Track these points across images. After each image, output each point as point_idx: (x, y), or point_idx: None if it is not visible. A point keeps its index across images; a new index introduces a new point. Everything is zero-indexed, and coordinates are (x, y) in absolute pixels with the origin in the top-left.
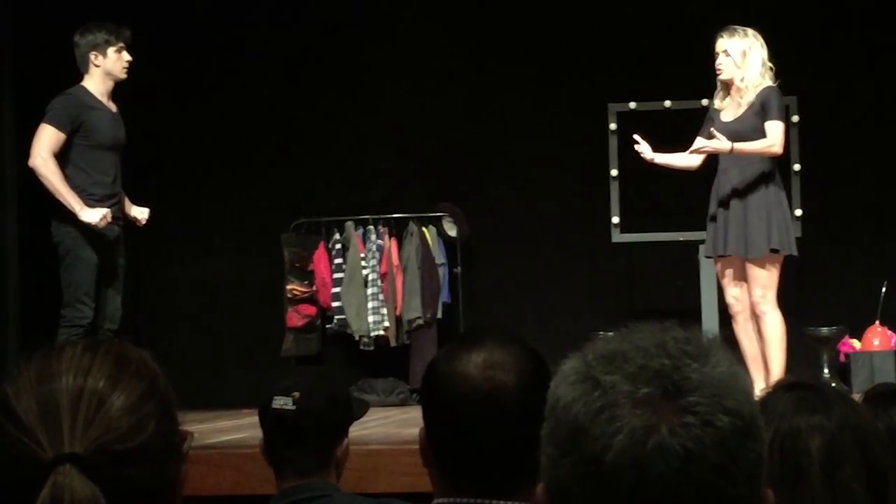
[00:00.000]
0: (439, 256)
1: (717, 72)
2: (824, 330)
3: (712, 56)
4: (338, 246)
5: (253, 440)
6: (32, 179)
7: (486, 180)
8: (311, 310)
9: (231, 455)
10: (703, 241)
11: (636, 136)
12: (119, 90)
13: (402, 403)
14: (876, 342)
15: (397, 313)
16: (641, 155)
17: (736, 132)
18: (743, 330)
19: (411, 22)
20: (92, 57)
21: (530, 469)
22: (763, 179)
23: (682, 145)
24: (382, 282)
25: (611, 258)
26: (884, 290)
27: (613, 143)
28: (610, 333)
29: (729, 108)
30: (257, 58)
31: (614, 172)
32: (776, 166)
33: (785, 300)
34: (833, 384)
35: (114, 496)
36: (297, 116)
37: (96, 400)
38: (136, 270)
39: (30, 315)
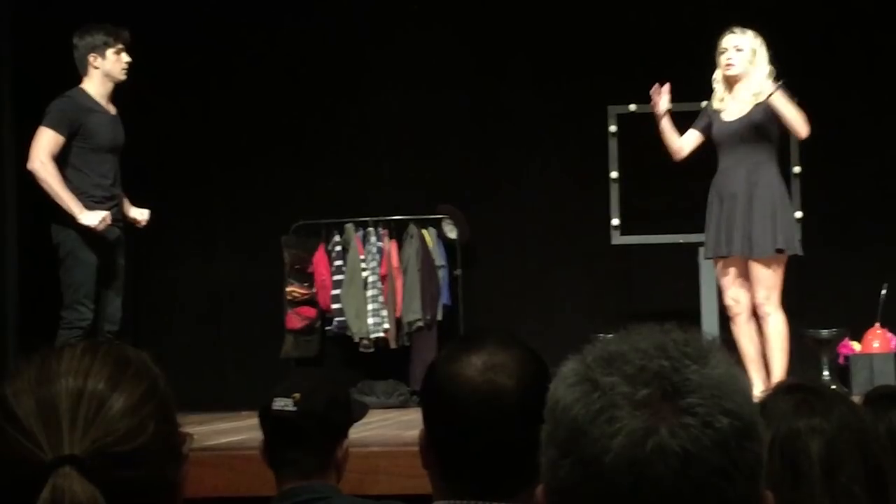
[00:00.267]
0: (439, 258)
1: (728, 67)
2: (824, 332)
3: (713, 52)
4: (338, 248)
5: (253, 442)
6: (32, 181)
7: (486, 182)
8: (310, 312)
9: (231, 457)
10: (703, 244)
11: (660, 86)
12: (119, 91)
13: (402, 405)
14: (876, 344)
15: (397, 315)
16: (655, 99)
17: (743, 131)
18: (742, 331)
19: (412, 24)
20: (91, 59)
21: (530, 471)
22: (770, 180)
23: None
24: (382, 284)
25: (610, 260)
26: (884, 292)
27: (613, 145)
28: (609, 335)
29: (731, 107)
30: (258, 59)
31: (614, 175)
32: (779, 168)
33: (785, 302)
34: (833, 386)
35: (113, 498)
36: (298, 118)
37: (96, 402)
38: (136, 272)
39: (29, 317)
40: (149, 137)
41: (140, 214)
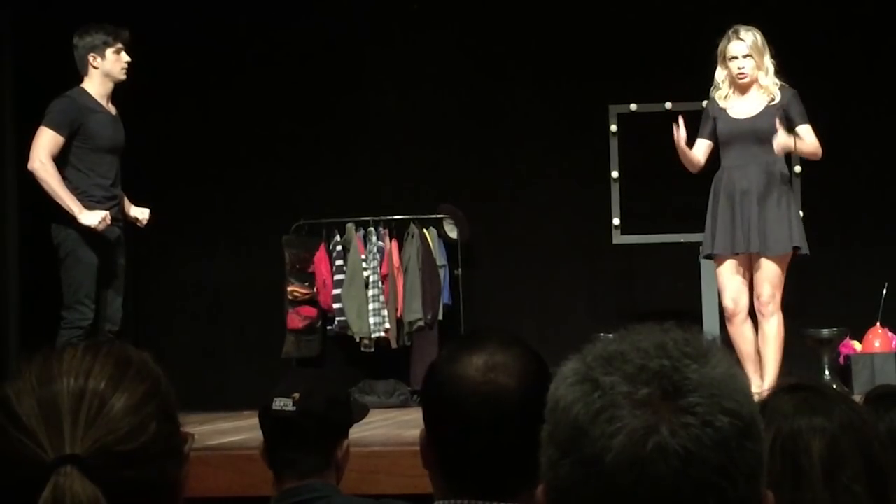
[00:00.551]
0: (440, 258)
1: (741, 77)
2: (825, 331)
3: (713, 52)
4: (338, 247)
5: (254, 442)
6: (33, 181)
7: (486, 182)
8: (311, 311)
9: (232, 456)
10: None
11: (677, 125)
12: (119, 91)
13: (403, 405)
14: (877, 344)
15: (398, 315)
16: (677, 134)
17: (760, 129)
18: (739, 332)
19: (412, 24)
20: (90, 59)
21: (531, 470)
22: (783, 179)
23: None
24: (383, 283)
25: (611, 260)
26: (885, 291)
27: (614, 144)
28: (610, 335)
29: (741, 105)
30: (258, 59)
31: (615, 174)
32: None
33: (786, 302)
34: (834, 386)
35: (115, 497)
36: (298, 118)
37: (97, 401)
38: (137, 272)
39: (31, 317)
40: (149, 137)
41: (141, 214)
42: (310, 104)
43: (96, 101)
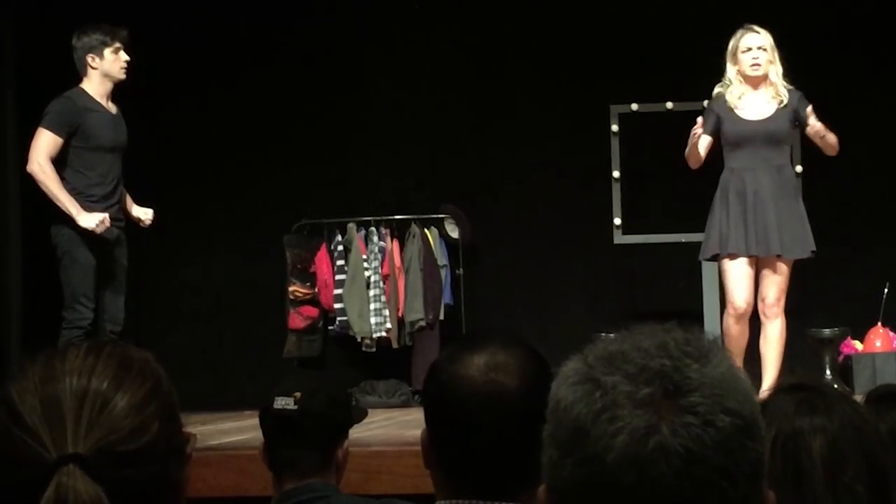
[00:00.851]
0: (441, 258)
1: (755, 67)
2: (826, 331)
3: (714, 52)
4: (340, 247)
5: (255, 442)
6: (34, 181)
7: (488, 182)
8: (313, 311)
9: (234, 456)
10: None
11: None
12: (120, 92)
13: (404, 405)
14: (878, 343)
15: (399, 315)
16: (697, 131)
17: (773, 132)
18: (742, 332)
19: (413, 24)
20: (89, 59)
21: (532, 470)
22: (794, 182)
23: (684, 147)
24: (384, 283)
25: (612, 260)
26: (886, 291)
27: (615, 144)
28: (611, 334)
29: (752, 106)
30: (259, 59)
31: (616, 174)
32: None
33: (788, 301)
34: (835, 385)
35: (117, 497)
36: (299, 117)
37: (100, 401)
38: (139, 272)
39: (33, 317)
40: (149, 137)
41: (144, 214)
42: (310, 104)
43: (95, 101)
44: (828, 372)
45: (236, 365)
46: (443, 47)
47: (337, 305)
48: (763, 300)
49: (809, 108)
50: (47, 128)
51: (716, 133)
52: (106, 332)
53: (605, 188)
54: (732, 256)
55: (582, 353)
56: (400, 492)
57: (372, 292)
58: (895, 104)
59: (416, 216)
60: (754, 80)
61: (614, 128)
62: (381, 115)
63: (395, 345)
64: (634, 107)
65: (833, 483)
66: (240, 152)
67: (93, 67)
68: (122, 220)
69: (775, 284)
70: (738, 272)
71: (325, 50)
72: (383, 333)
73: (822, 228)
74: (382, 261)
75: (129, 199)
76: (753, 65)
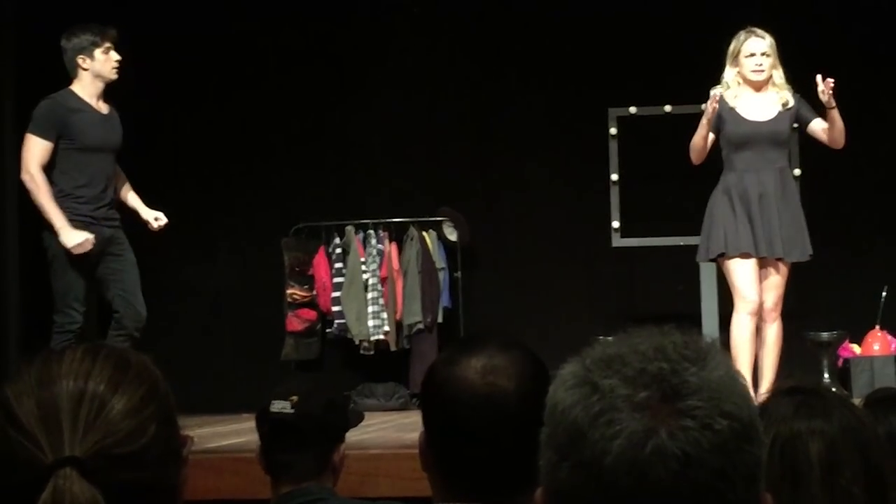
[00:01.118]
0: (440, 261)
1: (759, 72)
2: (824, 335)
3: (712, 55)
4: (338, 250)
5: (253, 444)
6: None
7: (486, 185)
8: (311, 314)
9: (231, 459)
10: None
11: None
12: (119, 92)
13: (402, 408)
14: (876, 347)
15: (397, 318)
16: (715, 93)
17: (776, 133)
18: (752, 335)
19: (412, 27)
20: (80, 61)
21: (530, 473)
22: (794, 185)
23: (683, 150)
24: (383, 286)
25: (611, 262)
26: (884, 294)
27: (614, 147)
28: (609, 338)
29: (755, 107)
30: (258, 61)
31: (615, 177)
32: None
33: (785, 305)
34: (833, 389)
35: (114, 500)
36: (298, 121)
37: (97, 403)
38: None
39: (31, 319)
40: (148, 139)
41: (155, 217)
42: (310, 106)
43: (83, 101)
44: (826, 375)
45: (234, 367)
46: (442, 50)
47: (335, 308)
48: (767, 303)
49: (822, 86)
50: (34, 133)
51: (716, 131)
52: (131, 333)
53: (604, 191)
54: (744, 255)
55: (580, 356)
56: (397, 495)
57: (370, 295)
58: (894, 106)
59: (414, 219)
60: (756, 83)
61: (613, 131)
62: (380, 118)
63: (393, 347)
64: (633, 110)
65: (831, 486)
66: (238, 155)
67: (83, 69)
68: (117, 219)
69: (775, 287)
70: (746, 268)
71: (324, 54)
72: (381, 336)
73: (820, 232)
74: (380, 263)
75: (137, 200)
76: (757, 71)
